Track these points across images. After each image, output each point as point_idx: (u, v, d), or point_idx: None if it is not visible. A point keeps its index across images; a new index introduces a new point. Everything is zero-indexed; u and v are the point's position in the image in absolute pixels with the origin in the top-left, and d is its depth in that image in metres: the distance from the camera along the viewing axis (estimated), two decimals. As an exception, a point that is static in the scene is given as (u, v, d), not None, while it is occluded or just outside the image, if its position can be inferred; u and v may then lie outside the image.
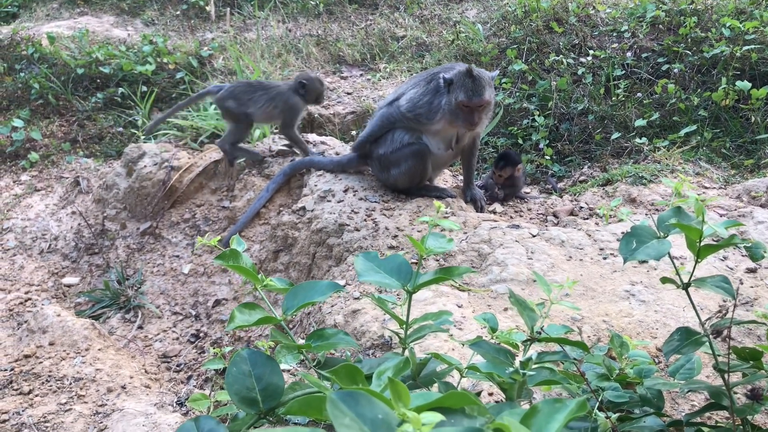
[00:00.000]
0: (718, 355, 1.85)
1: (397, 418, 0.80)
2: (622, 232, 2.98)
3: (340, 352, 1.87)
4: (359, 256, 1.45)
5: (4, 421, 2.59)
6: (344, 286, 3.19)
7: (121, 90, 5.70)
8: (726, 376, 1.80)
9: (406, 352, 1.40)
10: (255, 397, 1.28)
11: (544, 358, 1.48)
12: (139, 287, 3.96)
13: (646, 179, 3.72)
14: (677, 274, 1.88)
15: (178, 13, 7.12)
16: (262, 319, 1.39)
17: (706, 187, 3.70)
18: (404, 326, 1.44)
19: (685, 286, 1.82)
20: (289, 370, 2.70)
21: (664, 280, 1.88)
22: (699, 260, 1.81)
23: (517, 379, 1.32)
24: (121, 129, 5.45)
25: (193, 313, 3.76)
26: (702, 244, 1.80)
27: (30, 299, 4.06)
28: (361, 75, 5.32)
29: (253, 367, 1.31)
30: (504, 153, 4.00)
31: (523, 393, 1.41)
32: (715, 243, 1.82)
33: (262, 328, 3.30)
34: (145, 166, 4.37)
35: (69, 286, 4.23)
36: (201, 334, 3.60)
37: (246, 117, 4.01)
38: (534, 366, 1.53)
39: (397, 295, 2.73)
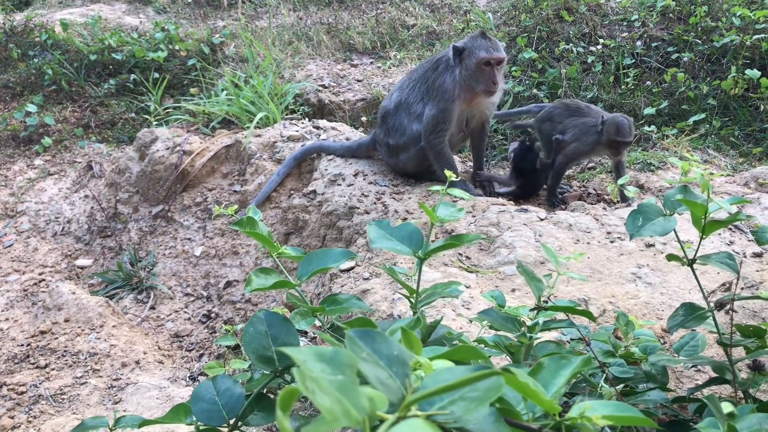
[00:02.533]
0: (722, 333, 1.88)
1: (410, 355, 0.84)
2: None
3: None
4: (372, 224, 1.49)
5: (22, 393, 2.65)
6: (354, 267, 3.24)
7: (133, 76, 5.75)
8: (729, 349, 1.84)
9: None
10: (271, 356, 1.33)
11: (550, 325, 1.52)
12: (152, 269, 4.02)
13: (654, 166, 3.75)
14: (683, 250, 1.91)
15: (189, 0, 7.17)
16: (278, 282, 1.44)
17: (713, 174, 3.72)
18: (414, 293, 1.48)
19: (690, 263, 1.86)
20: (305, 333, 2.75)
21: (670, 257, 1.92)
22: (704, 236, 1.84)
23: (524, 342, 1.36)
24: (133, 115, 5.51)
25: (205, 294, 3.82)
26: (707, 220, 1.83)
27: (44, 280, 4.13)
28: (372, 63, 5.35)
29: (270, 327, 1.35)
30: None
31: (530, 358, 1.45)
32: (720, 220, 1.85)
33: (276, 304, 3.35)
34: (157, 151, 4.42)
35: (82, 267, 4.29)
36: (212, 315, 3.66)
37: (556, 144, 3.67)
38: (540, 334, 1.57)
39: (409, 267, 2.77)
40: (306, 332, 2.94)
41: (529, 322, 1.54)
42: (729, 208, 1.75)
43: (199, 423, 1.38)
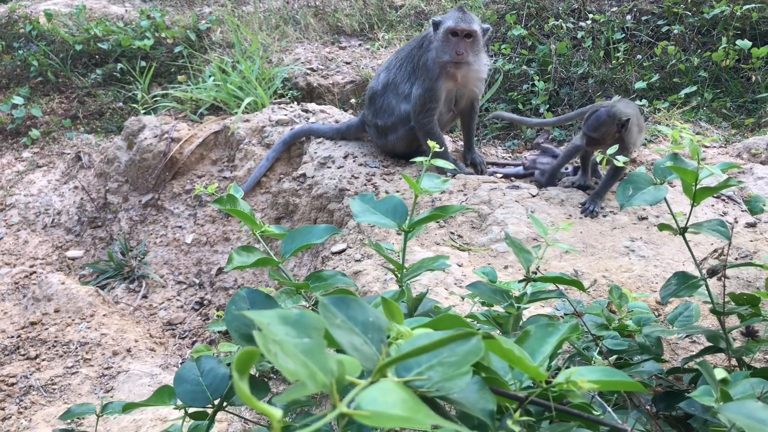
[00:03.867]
0: (716, 302, 1.86)
1: (387, 321, 0.81)
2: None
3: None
4: (355, 198, 1.46)
5: (13, 384, 2.62)
6: (346, 249, 3.21)
7: (120, 65, 5.68)
8: (722, 317, 1.82)
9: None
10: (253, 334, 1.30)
11: (540, 295, 1.50)
12: (143, 258, 3.99)
13: (646, 139, 3.71)
14: (674, 220, 1.88)
15: (175, -12, 7.08)
16: (260, 260, 1.41)
17: (706, 147, 3.69)
18: (400, 267, 1.45)
19: (682, 231, 1.83)
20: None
21: (662, 226, 1.89)
22: (695, 203, 1.81)
23: (511, 312, 1.33)
24: (121, 104, 5.45)
25: (197, 281, 3.79)
26: (698, 187, 1.80)
27: (35, 272, 4.10)
28: (360, 45, 5.30)
29: (252, 305, 1.32)
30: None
31: (519, 330, 1.42)
32: (711, 187, 1.82)
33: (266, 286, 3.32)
34: (145, 139, 4.38)
35: (73, 259, 4.26)
36: (205, 302, 3.63)
37: None
38: (531, 307, 1.55)
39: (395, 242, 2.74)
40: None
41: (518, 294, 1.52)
42: (719, 173, 1.72)
43: (183, 405, 1.35)
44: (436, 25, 3.34)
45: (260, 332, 0.56)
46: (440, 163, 1.46)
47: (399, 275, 1.42)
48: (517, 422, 0.96)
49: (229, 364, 1.56)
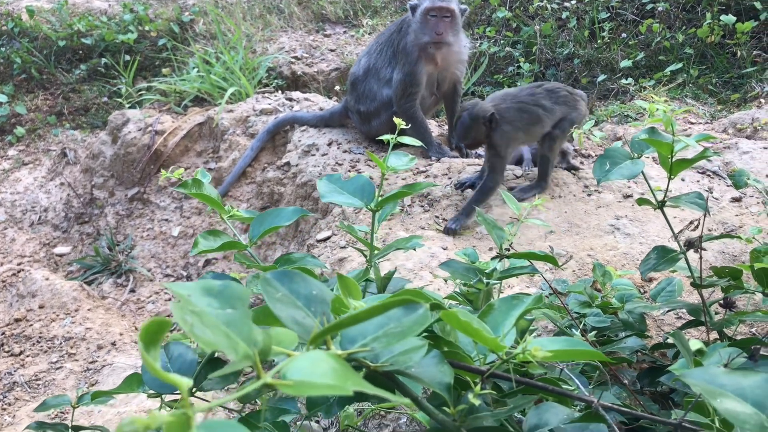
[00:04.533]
0: (697, 276, 1.85)
1: (331, 294, 0.79)
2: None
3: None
4: (322, 179, 1.44)
5: (-4, 381, 2.61)
6: (330, 236, 3.19)
7: (104, 60, 5.64)
8: (701, 290, 1.80)
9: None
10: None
11: (512, 272, 1.48)
12: (130, 252, 3.96)
13: (631, 117, 3.69)
14: (652, 194, 1.86)
15: (158, -19, 7.02)
16: (227, 244, 1.38)
17: (692, 123, 3.67)
18: (370, 246, 1.43)
19: (660, 205, 1.81)
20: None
21: (641, 201, 1.87)
22: (672, 176, 1.79)
23: (481, 288, 1.31)
24: (106, 99, 5.41)
25: (185, 274, 3.77)
26: (674, 159, 1.78)
27: (23, 270, 4.07)
28: (345, 32, 5.26)
29: (217, 289, 1.30)
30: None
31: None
32: (687, 159, 1.79)
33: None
34: (129, 132, 4.34)
35: (61, 255, 4.24)
36: (192, 294, 3.61)
37: None
38: (514, 288, 1.53)
39: (386, 232, 2.72)
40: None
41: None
42: (694, 145, 1.70)
43: (154, 393, 1.33)
44: (414, 9, 3.31)
45: (177, 303, 0.54)
46: (407, 140, 1.43)
47: (367, 255, 1.40)
48: (479, 396, 0.95)
49: (198, 351, 1.54)
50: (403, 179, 3.28)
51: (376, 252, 1.44)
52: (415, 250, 1.76)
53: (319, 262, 1.42)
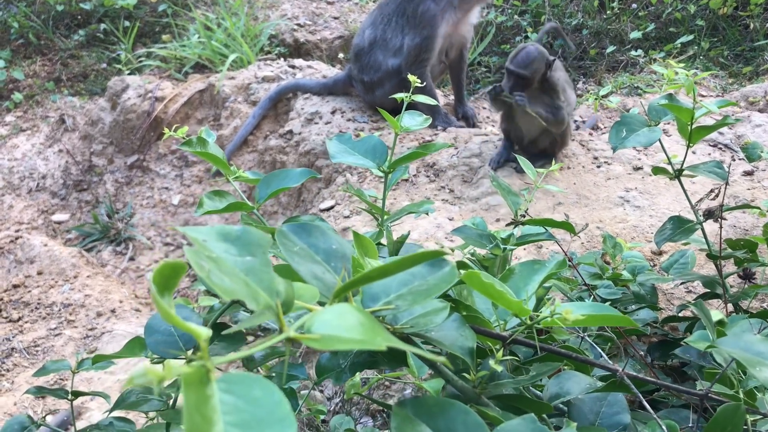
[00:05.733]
0: (712, 248, 1.80)
1: (352, 249, 0.74)
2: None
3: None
4: (332, 138, 1.38)
5: (-6, 347, 2.57)
6: (334, 205, 3.14)
7: (103, 26, 5.53)
8: (718, 261, 1.76)
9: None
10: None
11: (527, 238, 1.43)
12: (129, 220, 3.91)
13: (641, 89, 3.62)
14: (669, 163, 1.81)
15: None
16: (232, 204, 1.33)
17: (703, 96, 3.60)
18: (381, 211, 1.38)
19: (677, 174, 1.76)
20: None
21: (656, 170, 1.82)
22: (691, 144, 1.74)
23: (497, 253, 1.27)
24: (105, 65, 5.31)
25: (184, 242, 3.72)
26: (694, 126, 1.72)
27: (21, 237, 4.02)
28: None
29: (223, 250, 1.25)
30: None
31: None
32: (708, 126, 1.74)
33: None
34: (128, 99, 4.27)
35: (59, 222, 4.18)
36: (193, 263, 3.57)
37: None
38: (522, 253, 1.48)
39: (391, 202, 2.67)
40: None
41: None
42: (715, 110, 1.64)
43: (154, 356, 1.29)
44: None
45: (192, 248, 0.49)
46: (422, 98, 1.38)
47: (378, 219, 1.35)
48: (501, 362, 0.90)
49: (205, 316, 1.50)
50: (408, 148, 3.22)
51: (387, 216, 1.38)
52: (428, 214, 1.71)
53: (328, 224, 1.36)
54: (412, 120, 1.37)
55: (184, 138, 1.44)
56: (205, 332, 0.41)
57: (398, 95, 1.37)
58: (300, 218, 1.40)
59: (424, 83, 3.33)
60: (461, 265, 0.80)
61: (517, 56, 2.76)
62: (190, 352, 1.28)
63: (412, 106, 1.33)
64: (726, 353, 0.82)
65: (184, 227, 0.54)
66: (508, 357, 0.92)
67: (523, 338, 0.95)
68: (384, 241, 1.37)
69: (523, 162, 1.53)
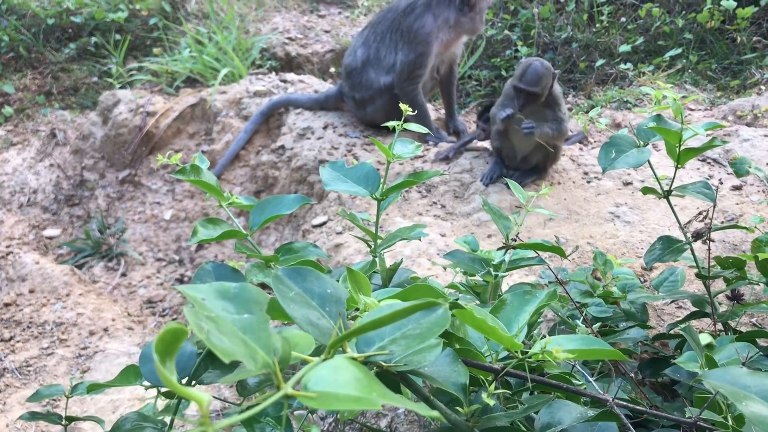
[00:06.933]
0: (701, 267, 1.82)
1: (347, 293, 0.75)
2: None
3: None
4: (325, 166, 1.40)
5: (-14, 367, 2.56)
6: (326, 221, 3.15)
7: (94, 39, 5.53)
8: (707, 281, 1.78)
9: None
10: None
11: (519, 263, 1.44)
12: (121, 235, 3.91)
13: (630, 103, 3.65)
14: (658, 183, 1.83)
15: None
16: (227, 233, 1.34)
17: (691, 109, 3.64)
18: (374, 237, 1.39)
19: (666, 194, 1.78)
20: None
21: (645, 190, 1.84)
22: (680, 165, 1.76)
23: (489, 280, 1.28)
24: (96, 79, 5.31)
25: (177, 258, 3.72)
26: (682, 148, 1.75)
27: (11, 253, 4.00)
28: (339, 13, 5.18)
29: (218, 279, 1.26)
30: (490, 102, 3.34)
31: (497, 298, 1.37)
32: (695, 147, 1.76)
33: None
34: (120, 113, 4.27)
35: (50, 238, 4.17)
36: (185, 279, 3.56)
37: None
38: (515, 278, 1.49)
39: (383, 218, 2.68)
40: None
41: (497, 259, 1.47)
42: (703, 133, 1.67)
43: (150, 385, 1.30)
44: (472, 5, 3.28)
45: (192, 308, 0.50)
46: (414, 127, 1.39)
47: (373, 245, 1.36)
48: (493, 395, 0.91)
49: (198, 342, 1.51)
50: (400, 164, 3.24)
51: (379, 241, 1.40)
52: (420, 240, 1.73)
53: (321, 252, 1.38)
54: (404, 147, 1.39)
55: (178, 165, 1.45)
56: (206, 399, 0.42)
57: (390, 123, 1.38)
58: (294, 244, 1.41)
59: (416, 100, 3.37)
60: (453, 305, 0.81)
61: (525, 74, 2.77)
62: (184, 381, 1.29)
63: (405, 121, 1.37)
64: (713, 387, 0.83)
65: (183, 286, 0.55)
66: (500, 390, 0.93)
67: (515, 370, 0.96)
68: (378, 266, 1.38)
69: (514, 186, 1.55)
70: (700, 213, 1.71)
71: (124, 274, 3.65)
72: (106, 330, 2.74)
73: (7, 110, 5.22)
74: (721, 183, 2.95)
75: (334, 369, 0.53)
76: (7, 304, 2.94)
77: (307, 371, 0.54)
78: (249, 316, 0.53)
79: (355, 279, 0.90)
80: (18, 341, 2.70)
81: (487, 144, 3.26)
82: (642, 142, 1.79)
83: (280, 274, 0.72)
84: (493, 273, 1.28)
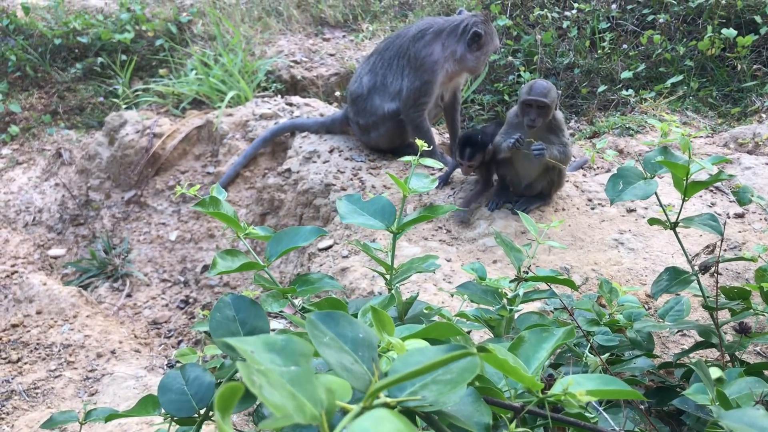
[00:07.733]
0: (707, 297, 1.85)
1: (377, 337, 0.78)
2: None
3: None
4: (342, 199, 1.42)
5: (-6, 389, 2.57)
6: (332, 245, 3.17)
7: (100, 60, 5.58)
8: (714, 313, 1.80)
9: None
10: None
11: (532, 296, 1.47)
12: (126, 256, 3.92)
13: (633, 130, 3.70)
14: (665, 213, 1.86)
15: (155, -20, 6.96)
16: (245, 264, 1.36)
17: (693, 137, 3.68)
18: (390, 270, 1.42)
19: (673, 226, 1.81)
20: (276, 317, 2.69)
21: (652, 221, 1.87)
22: (686, 198, 1.79)
23: (504, 315, 1.30)
24: (102, 99, 5.35)
25: (182, 279, 3.73)
26: (689, 181, 1.78)
27: (16, 272, 4.01)
28: (344, 36, 5.24)
29: (237, 311, 1.28)
30: (466, 136, 3.06)
31: (511, 332, 1.40)
32: (702, 181, 1.79)
33: (256, 287, 3.28)
34: (126, 134, 4.30)
35: (55, 257, 4.19)
36: (190, 300, 3.58)
37: None
38: (522, 305, 1.52)
39: (386, 244, 2.70)
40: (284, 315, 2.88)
41: (510, 294, 1.49)
42: (710, 168, 1.70)
43: (168, 414, 1.31)
44: (479, 41, 3.32)
45: (244, 362, 0.52)
46: (429, 162, 1.42)
47: (387, 278, 1.39)
48: (513, 433, 0.93)
49: (214, 368, 1.52)
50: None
51: (395, 274, 1.42)
52: (434, 272, 1.75)
53: (337, 284, 1.40)
54: (419, 182, 1.41)
55: (196, 196, 1.48)
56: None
57: (406, 158, 1.41)
58: (311, 276, 1.43)
59: (422, 126, 3.41)
60: (480, 348, 0.83)
61: (532, 88, 2.80)
62: (203, 411, 1.31)
63: (409, 144, 1.35)
64: (730, 428, 0.86)
65: (234, 339, 0.57)
66: (522, 429, 0.95)
67: (535, 408, 0.98)
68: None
69: (526, 219, 1.58)
70: (707, 246, 1.74)
71: (129, 295, 3.66)
72: (113, 352, 2.75)
73: (14, 129, 5.26)
74: (729, 217, 2.97)
75: (377, 421, 0.55)
76: (14, 325, 2.95)
77: (349, 421, 0.56)
78: (296, 368, 0.55)
79: (379, 318, 0.92)
80: (26, 363, 2.71)
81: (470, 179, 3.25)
82: (649, 174, 1.83)
83: (314, 319, 0.74)
84: (507, 307, 1.30)
